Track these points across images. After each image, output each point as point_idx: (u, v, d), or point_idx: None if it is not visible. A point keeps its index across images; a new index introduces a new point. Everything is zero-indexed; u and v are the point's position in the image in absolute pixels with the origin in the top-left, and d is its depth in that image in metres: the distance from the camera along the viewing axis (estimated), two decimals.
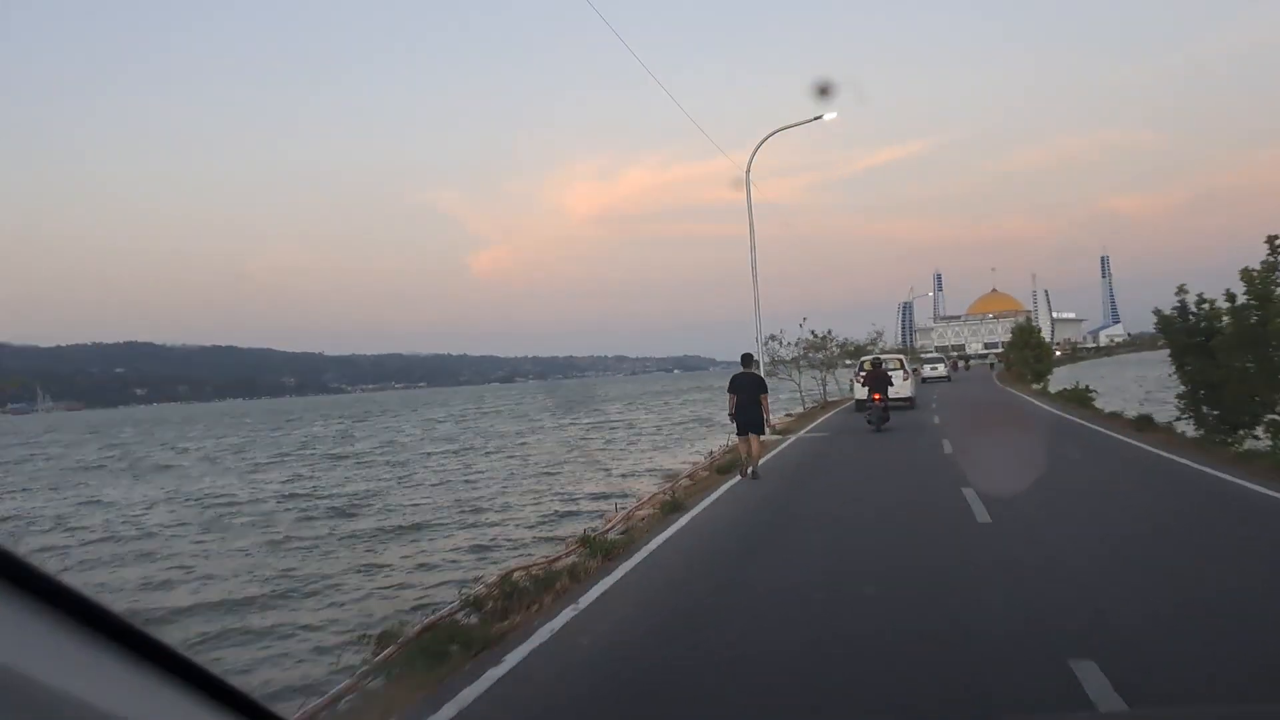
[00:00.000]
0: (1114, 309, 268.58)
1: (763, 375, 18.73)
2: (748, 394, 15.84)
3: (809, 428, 27.15)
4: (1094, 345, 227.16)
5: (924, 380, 59.74)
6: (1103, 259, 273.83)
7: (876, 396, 24.24)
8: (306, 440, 58.45)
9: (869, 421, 24.08)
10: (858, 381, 30.44)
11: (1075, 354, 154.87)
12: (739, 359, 16.85)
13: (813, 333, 41.00)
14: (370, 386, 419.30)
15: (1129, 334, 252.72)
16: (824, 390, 41.63)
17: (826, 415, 32.87)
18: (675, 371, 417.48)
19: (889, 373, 29.66)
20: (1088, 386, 32.88)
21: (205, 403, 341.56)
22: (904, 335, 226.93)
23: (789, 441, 22.79)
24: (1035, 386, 47.14)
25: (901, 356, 37.59)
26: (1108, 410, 27.94)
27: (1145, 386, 50.49)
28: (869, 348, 44.61)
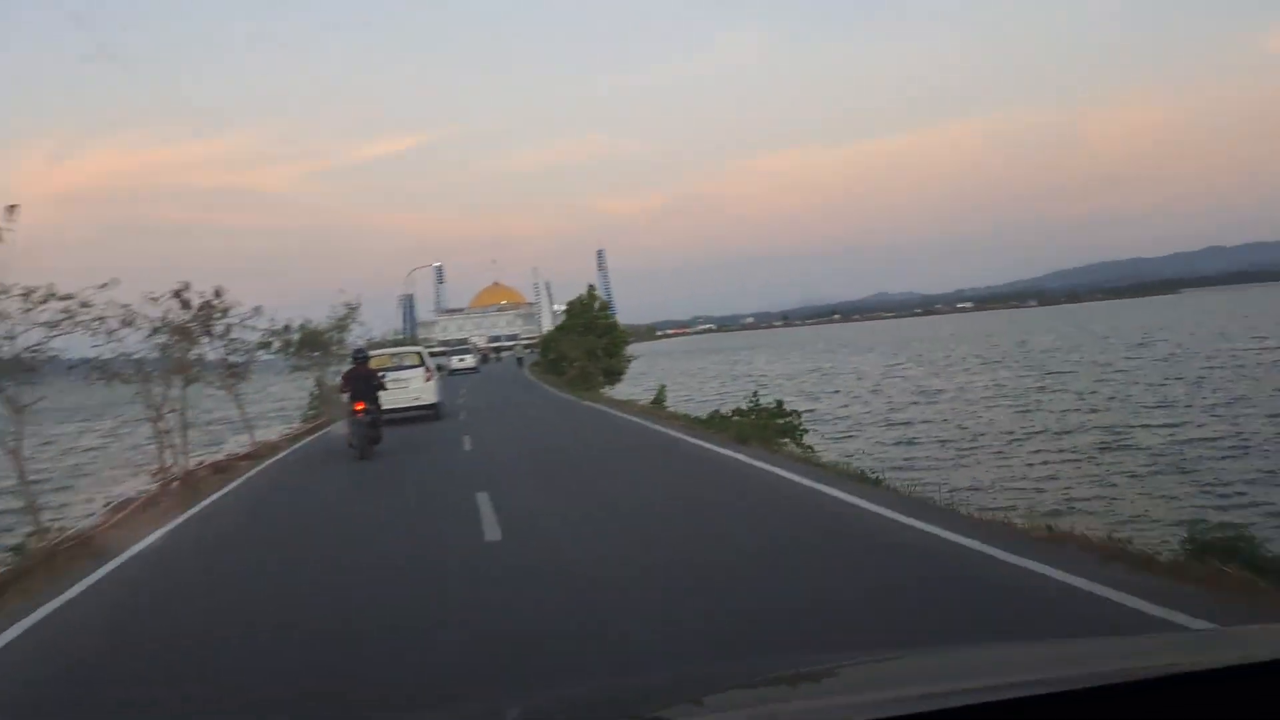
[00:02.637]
0: (611, 302, 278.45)
1: None
2: None
3: None
4: None
5: (452, 372, 54.65)
6: (599, 253, 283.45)
7: (360, 407, 17.75)
8: None
9: (350, 444, 17.86)
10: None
11: None
12: None
13: (180, 299, 19.26)
14: None
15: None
16: (182, 431, 18.60)
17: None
18: None
19: (396, 373, 24.01)
20: (782, 404, 20.80)
21: None
22: (406, 328, 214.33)
23: None
24: (609, 392, 35.04)
25: (420, 349, 30.25)
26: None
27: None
28: (327, 335, 31.45)
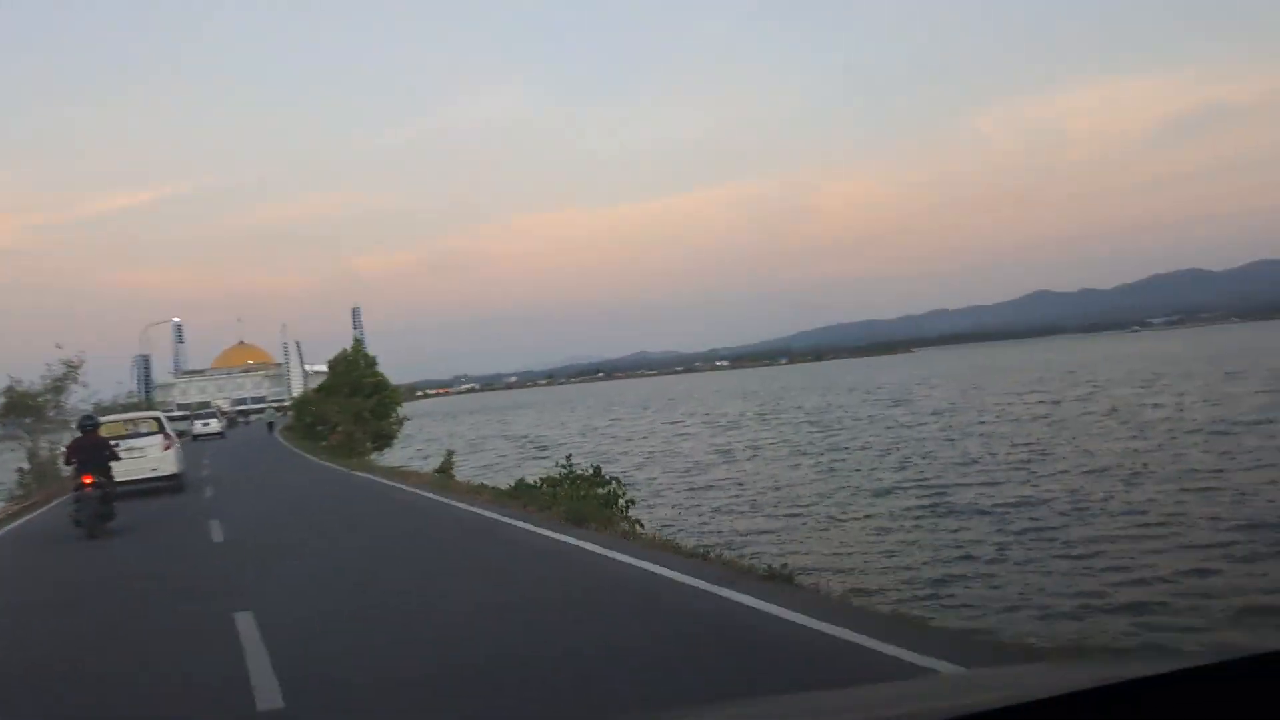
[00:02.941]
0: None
1: None
2: None
3: None
4: None
5: (195, 437, 53.30)
6: (354, 310, 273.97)
7: (88, 480, 15.83)
8: None
9: (77, 523, 15.63)
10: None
11: None
12: None
13: None
14: None
15: None
16: None
17: None
18: None
19: (131, 441, 22.26)
20: (599, 470, 17.85)
21: None
22: (141, 391, 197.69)
23: None
24: (379, 460, 31.40)
25: (159, 415, 27.97)
26: None
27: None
28: (42, 399, 29.11)
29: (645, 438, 48.18)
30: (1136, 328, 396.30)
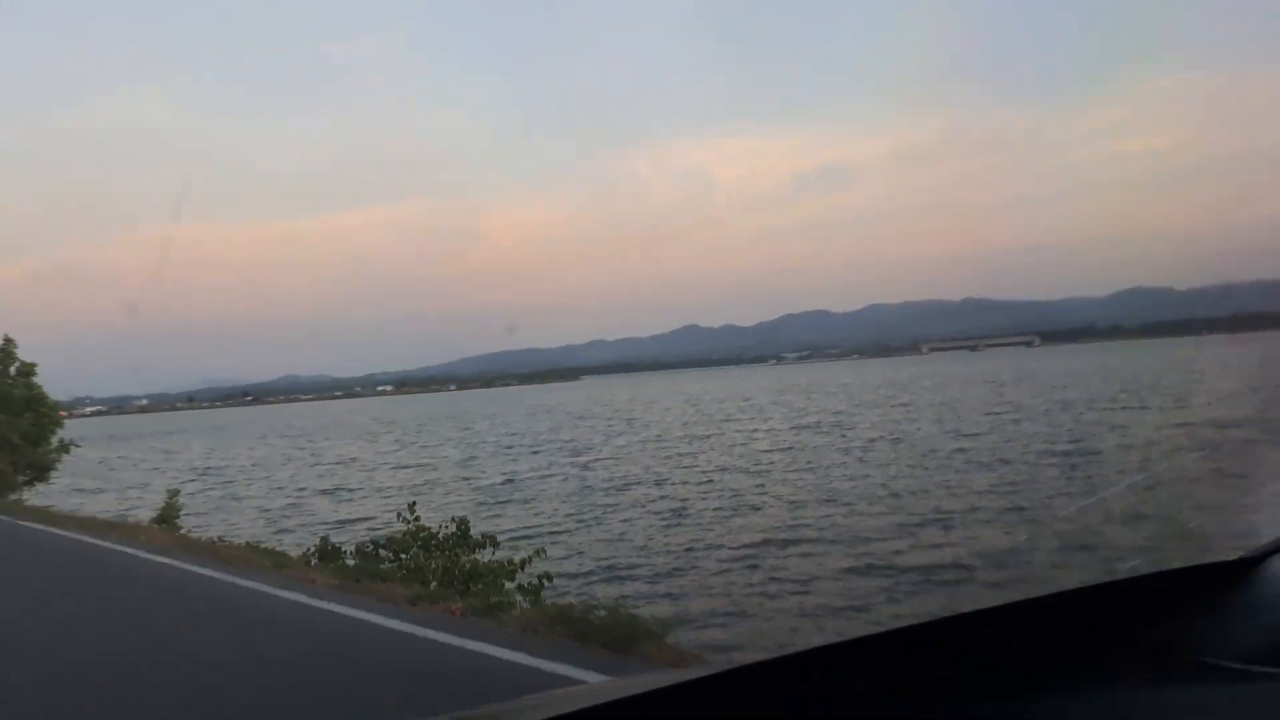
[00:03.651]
0: None
1: None
2: None
3: None
4: None
5: None
6: None
7: None
8: None
9: None
10: None
11: None
12: None
13: None
14: None
15: None
16: None
17: None
18: None
19: None
20: (466, 524, 12.35)
21: None
22: None
23: None
24: (34, 500, 23.01)
25: None
26: None
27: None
28: None
29: (375, 469, 40.70)
30: (774, 361, 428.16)
